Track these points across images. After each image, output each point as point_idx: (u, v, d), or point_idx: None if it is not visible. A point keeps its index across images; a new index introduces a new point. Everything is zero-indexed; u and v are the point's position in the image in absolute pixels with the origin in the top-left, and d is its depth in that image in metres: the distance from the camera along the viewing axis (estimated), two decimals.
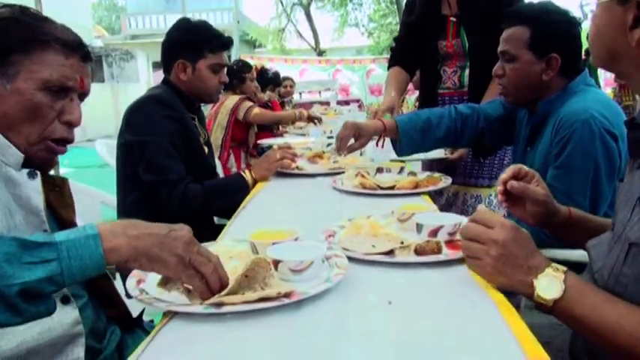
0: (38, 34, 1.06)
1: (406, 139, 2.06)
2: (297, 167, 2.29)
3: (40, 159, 1.10)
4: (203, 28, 2.28)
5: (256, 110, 4.23)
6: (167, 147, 2.05)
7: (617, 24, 0.96)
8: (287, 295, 0.94)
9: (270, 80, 6.01)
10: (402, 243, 1.21)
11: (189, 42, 2.22)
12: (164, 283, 0.96)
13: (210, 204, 2.10)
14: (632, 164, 1.04)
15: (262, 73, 5.75)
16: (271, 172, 2.23)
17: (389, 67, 2.83)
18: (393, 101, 2.58)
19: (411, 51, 2.70)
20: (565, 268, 0.97)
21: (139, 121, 2.09)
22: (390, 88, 2.68)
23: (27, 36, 1.05)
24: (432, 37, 2.58)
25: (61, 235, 0.85)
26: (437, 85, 2.65)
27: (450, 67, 2.61)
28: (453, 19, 2.52)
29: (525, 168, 1.26)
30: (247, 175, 2.19)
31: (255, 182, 2.17)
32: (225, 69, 2.31)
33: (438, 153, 2.52)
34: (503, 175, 1.25)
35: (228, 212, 1.74)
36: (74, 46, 1.10)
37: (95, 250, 0.85)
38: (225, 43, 2.29)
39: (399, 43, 2.79)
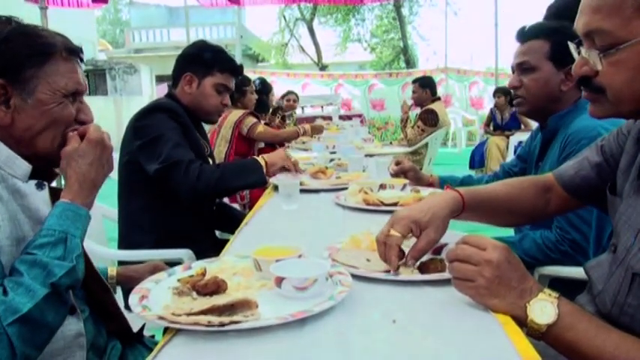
0: (46, 46, 1.10)
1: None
2: (297, 168, 2.35)
3: None
4: (218, 49, 2.36)
5: (260, 128, 4.24)
6: (177, 139, 2.09)
7: None
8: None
9: (260, 91, 5.85)
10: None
11: (201, 57, 2.29)
12: (178, 294, 1.04)
13: (227, 180, 2.10)
14: (638, 185, 1.02)
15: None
16: (281, 164, 2.27)
17: None
18: None
19: None
20: (557, 294, 0.95)
21: (147, 125, 2.13)
22: None
23: (37, 50, 1.09)
24: None
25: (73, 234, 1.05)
26: None
27: None
28: None
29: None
30: (260, 160, 2.21)
31: (266, 165, 2.20)
32: (229, 93, 2.35)
33: None
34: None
35: (232, 226, 1.74)
36: (76, 52, 1.17)
37: (86, 217, 1.11)
38: (235, 68, 2.36)
39: None
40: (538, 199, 1.34)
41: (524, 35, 1.82)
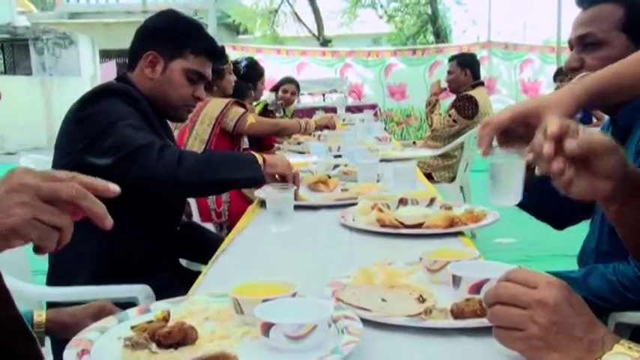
0: None
1: None
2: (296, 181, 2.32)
3: None
4: (193, 23, 2.37)
5: (251, 119, 4.19)
6: (138, 123, 2.08)
7: None
8: None
9: (245, 76, 5.64)
10: (421, 297, 1.23)
11: (170, 32, 2.27)
12: (132, 346, 1.02)
13: (215, 169, 2.09)
14: None
15: (235, 67, 5.42)
16: (281, 170, 2.22)
17: None
18: None
19: None
20: None
21: (93, 113, 2.10)
22: None
23: None
24: None
25: None
26: None
27: None
28: None
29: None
30: (259, 157, 2.19)
31: (264, 164, 2.18)
32: (204, 85, 2.36)
33: None
34: (553, 129, 1.09)
35: (203, 254, 1.75)
36: None
37: None
38: (215, 50, 2.36)
39: None
40: None
41: (586, 1, 1.79)
